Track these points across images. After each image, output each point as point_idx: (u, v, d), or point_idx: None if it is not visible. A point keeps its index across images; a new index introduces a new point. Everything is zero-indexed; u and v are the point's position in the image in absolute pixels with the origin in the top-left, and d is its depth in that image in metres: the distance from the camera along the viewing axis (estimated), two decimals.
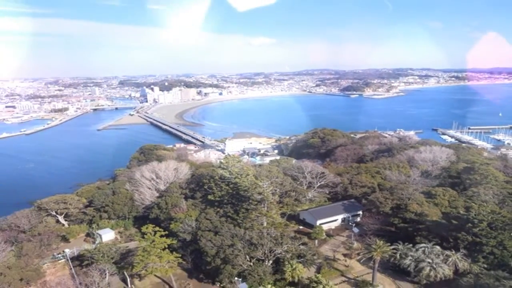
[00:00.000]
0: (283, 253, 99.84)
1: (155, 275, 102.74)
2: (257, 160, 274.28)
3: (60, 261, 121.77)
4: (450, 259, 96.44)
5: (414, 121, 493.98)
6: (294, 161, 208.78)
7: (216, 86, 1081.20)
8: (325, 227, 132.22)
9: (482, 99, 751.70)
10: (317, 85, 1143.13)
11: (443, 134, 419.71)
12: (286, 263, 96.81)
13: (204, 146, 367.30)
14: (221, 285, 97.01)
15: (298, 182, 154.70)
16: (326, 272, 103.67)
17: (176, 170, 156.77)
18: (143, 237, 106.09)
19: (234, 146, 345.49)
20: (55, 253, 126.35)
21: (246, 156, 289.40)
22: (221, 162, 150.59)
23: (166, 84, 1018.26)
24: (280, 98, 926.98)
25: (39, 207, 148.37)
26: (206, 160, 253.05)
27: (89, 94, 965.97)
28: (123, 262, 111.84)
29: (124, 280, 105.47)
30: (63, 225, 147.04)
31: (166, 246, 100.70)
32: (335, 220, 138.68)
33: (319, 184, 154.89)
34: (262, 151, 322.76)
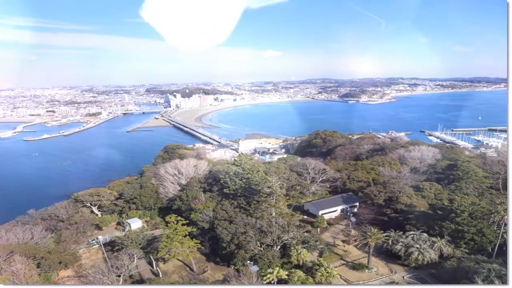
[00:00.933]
0: (290, 239, 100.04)
1: (177, 259, 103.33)
2: (267, 158, 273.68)
3: (94, 247, 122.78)
4: (436, 244, 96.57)
5: (404, 124, 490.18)
6: (299, 159, 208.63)
7: (231, 93, 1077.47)
8: (326, 216, 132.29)
9: (464, 105, 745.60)
10: (319, 93, 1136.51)
11: (430, 135, 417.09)
12: (292, 248, 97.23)
13: (220, 145, 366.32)
14: (235, 267, 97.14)
15: (302, 177, 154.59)
16: (327, 256, 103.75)
17: (196, 167, 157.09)
18: (167, 226, 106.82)
19: (246, 146, 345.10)
20: (89, 240, 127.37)
21: (257, 155, 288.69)
22: (235, 160, 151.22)
23: (187, 91, 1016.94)
24: (286, 104, 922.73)
25: (75, 199, 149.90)
26: (222, 158, 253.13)
27: (120, 100, 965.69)
28: (149, 247, 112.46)
29: (150, 263, 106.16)
30: (97, 215, 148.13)
31: (187, 233, 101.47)
32: (335, 211, 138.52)
33: (321, 179, 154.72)
34: (271, 150, 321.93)
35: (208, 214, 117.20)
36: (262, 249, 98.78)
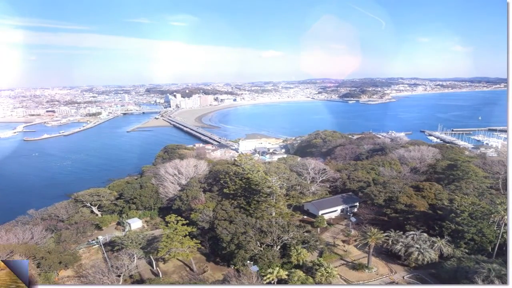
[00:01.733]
0: (290, 239, 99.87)
1: (177, 259, 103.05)
2: (267, 158, 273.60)
3: (94, 247, 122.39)
4: (436, 244, 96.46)
5: (404, 124, 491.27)
6: (299, 159, 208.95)
7: (231, 93, 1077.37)
8: (326, 217, 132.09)
9: (464, 105, 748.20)
10: (319, 93, 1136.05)
11: (430, 135, 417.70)
12: (292, 248, 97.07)
13: (220, 146, 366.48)
14: (235, 267, 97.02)
15: (302, 177, 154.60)
16: (327, 256, 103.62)
17: (196, 167, 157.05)
18: (167, 226, 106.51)
19: (246, 146, 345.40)
20: (89, 240, 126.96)
21: (257, 155, 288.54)
22: (235, 160, 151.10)
23: (187, 91, 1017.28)
24: (287, 104, 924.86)
25: (75, 199, 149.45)
26: (222, 158, 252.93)
27: (120, 100, 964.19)
28: (149, 247, 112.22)
29: (150, 263, 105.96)
30: (97, 215, 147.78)
31: (187, 233, 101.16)
32: (335, 211, 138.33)
33: (321, 179, 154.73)
34: (271, 150, 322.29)
35: (208, 214, 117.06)
36: (262, 249, 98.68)
